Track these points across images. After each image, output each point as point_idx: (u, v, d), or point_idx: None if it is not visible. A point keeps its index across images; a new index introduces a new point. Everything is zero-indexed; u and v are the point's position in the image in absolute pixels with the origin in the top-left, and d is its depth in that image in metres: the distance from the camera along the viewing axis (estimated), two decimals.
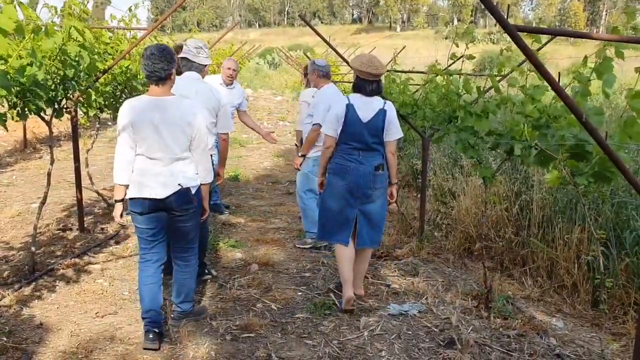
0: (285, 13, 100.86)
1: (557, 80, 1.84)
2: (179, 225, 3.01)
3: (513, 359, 2.90)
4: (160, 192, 2.86)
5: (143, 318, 2.98)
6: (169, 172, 2.88)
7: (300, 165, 4.66)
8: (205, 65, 3.69)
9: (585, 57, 2.41)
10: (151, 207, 2.89)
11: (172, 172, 2.88)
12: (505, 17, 1.65)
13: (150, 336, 2.93)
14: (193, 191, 2.95)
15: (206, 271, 3.87)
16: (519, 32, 1.68)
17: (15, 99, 3.40)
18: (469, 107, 3.46)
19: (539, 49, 3.55)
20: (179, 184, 2.88)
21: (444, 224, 5.13)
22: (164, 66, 2.80)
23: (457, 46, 3.55)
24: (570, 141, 2.58)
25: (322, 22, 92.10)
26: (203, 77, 3.74)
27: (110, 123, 11.37)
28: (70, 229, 4.86)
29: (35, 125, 9.25)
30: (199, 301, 3.54)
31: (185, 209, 2.94)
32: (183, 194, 2.90)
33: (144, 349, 2.92)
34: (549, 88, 2.54)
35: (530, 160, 2.79)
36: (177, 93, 2.97)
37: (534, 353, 2.95)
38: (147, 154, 2.86)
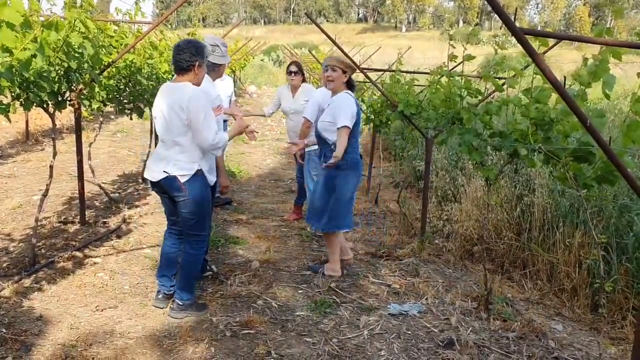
0: (291, 11, 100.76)
1: (563, 84, 1.83)
2: (178, 209, 3.19)
3: None
4: (154, 175, 3.11)
5: (158, 279, 3.40)
6: (164, 156, 3.09)
7: (302, 158, 4.89)
8: (219, 64, 3.68)
9: (586, 60, 2.40)
10: (152, 187, 3.23)
11: (166, 157, 3.08)
12: (513, 20, 1.65)
13: (159, 296, 3.37)
14: (182, 180, 3.06)
15: (207, 267, 3.88)
16: (525, 35, 1.68)
17: (18, 90, 3.40)
18: (473, 108, 3.45)
19: (544, 52, 3.55)
20: (164, 171, 3.06)
21: (445, 225, 5.13)
22: (186, 57, 3.01)
23: (454, 47, 3.57)
24: (574, 144, 2.57)
25: (327, 21, 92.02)
26: (219, 76, 3.74)
27: (113, 117, 11.38)
28: (72, 222, 4.86)
29: (38, 117, 9.26)
30: (200, 297, 3.54)
31: (176, 196, 3.13)
32: (171, 182, 3.08)
33: (153, 306, 3.35)
34: (553, 91, 2.54)
35: (536, 161, 2.79)
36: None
37: (532, 355, 2.95)
38: (159, 135, 3.16)
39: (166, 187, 3.09)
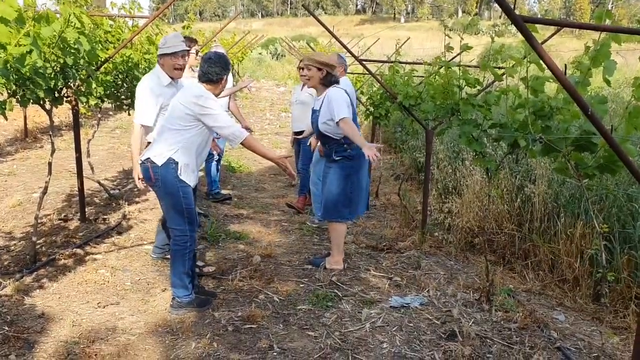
0: (289, 3, 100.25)
1: (563, 72, 1.81)
2: None
3: (514, 352, 2.89)
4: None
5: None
6: (152, 144, 3.23)
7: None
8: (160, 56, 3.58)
9: (588, 48, 2.37)
10: None
11: (152, 144, 3.19)
12: (513, 8, 1.62)
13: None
14: (155, 163, 3.07)
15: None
16: (525, 23, 1.65)
17: (14, 87, 3.37)
18: (471, 99, 3.42)
19: (544, 41, 3.52)
20: (146, 158, 3.12)
21: (446, 217, 5.11)
22: (217, 70, 3.09)
23: (450, 38, 3.54)
24: (575, 133, 2.55)
25: (325, 13, 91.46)
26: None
27: (111, 113, 11.34)
28: (72, 219, 4.85)
29: (36, 115, 9.23)
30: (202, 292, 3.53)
31: (151, 186, 3.21)
32: (146, 170, 3.13)
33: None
34: (551, 79, 2.52)
35: (536, 152, 2.76)
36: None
37: (534, 346, 2.95)
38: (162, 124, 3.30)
39: (144, 176, 3.21)
